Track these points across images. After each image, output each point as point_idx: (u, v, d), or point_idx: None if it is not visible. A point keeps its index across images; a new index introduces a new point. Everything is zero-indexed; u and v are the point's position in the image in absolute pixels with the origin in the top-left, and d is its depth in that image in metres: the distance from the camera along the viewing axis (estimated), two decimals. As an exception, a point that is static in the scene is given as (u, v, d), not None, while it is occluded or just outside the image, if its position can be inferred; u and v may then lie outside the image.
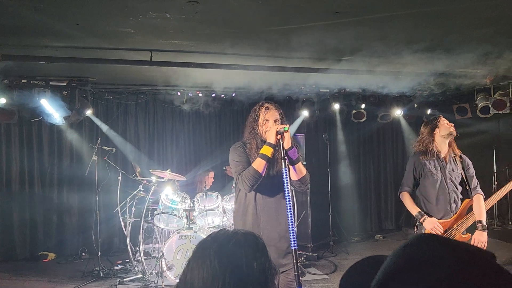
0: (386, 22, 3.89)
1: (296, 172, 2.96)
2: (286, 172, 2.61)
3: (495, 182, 8.62)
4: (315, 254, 6.69)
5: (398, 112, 7.92)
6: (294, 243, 2.52)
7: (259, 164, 2.88)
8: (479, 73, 6.03)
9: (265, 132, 2.98)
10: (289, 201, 2.61)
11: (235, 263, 1.24)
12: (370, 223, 8.89)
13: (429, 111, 8.28)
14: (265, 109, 3.07)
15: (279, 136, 2.79)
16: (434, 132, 3.68)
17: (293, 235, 2.54)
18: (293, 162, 2.91)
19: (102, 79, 6.17)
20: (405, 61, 5.00)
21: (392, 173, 9.11)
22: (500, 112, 6.80)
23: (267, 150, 2.85)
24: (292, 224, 2.57)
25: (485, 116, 7.18)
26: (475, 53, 4.85)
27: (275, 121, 3.01)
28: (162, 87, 6.79)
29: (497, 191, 3.77)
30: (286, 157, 2.70)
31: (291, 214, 2.60)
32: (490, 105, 6.83)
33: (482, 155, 7.82)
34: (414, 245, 0.64)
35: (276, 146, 2.85)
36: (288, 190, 2.60)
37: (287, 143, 2.80)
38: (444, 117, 3.76)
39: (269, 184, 3.07)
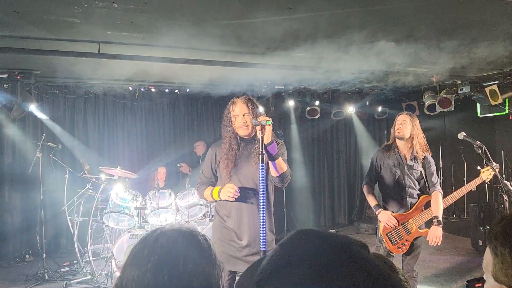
0: (338, 19, 3.94)
1: (276, 169, 2.85)
2: (263, 168, 2.50)
3: (441, 177, 9.03)
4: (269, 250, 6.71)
5: (350, 109, 8.11)
6: (264, 245, 2.44)
7: (207, 197, 3.06)
8: (427, 72, 6.26)
9: (238, 128, 2.95)
10: (264, 198, 2.51)
11: (176, 268, 1.17)
12: (324, 218, 9.05)
13: (380, 109, 8.53)
14: (233, 104, 2.99)
15: (259, 128, 2.62)
16: (392, 131, 3.83)
17: (264, 236, 2.46)
18: (272, 158, 2.79)
19: (47, 72, 5.83)
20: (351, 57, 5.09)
21: (345, 169, 9.32)
22: (445, 110, 7.10)
23: (215, 196, 2.97)
24: (264, 224, 2.47)
25: (432, 114, 7.48)
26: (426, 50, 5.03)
27: (244, 115, 2.93)
28: (112, 81, 6.54)
29: (442, 186, 3.94)
30: (264, 152, 2.59)
31: (263, 213, 2.50)
32: (436, 103, 7.12)
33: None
34: (288, 243, 0.63)
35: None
36: (263, 187, 2.51)
37: (267, 138, 2.67)
38: (406, 114, 3.81)
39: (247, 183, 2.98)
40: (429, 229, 3.72)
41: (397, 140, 3.82)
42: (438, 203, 3.69)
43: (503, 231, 1.12)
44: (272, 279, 0.59)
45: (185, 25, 3.98)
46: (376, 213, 3.78)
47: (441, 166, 9.22)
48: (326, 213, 9.10)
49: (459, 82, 6.73)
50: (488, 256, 1.18)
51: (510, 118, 7.20)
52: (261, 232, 2.46)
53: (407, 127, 3.72)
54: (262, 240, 2.46)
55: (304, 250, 0.60)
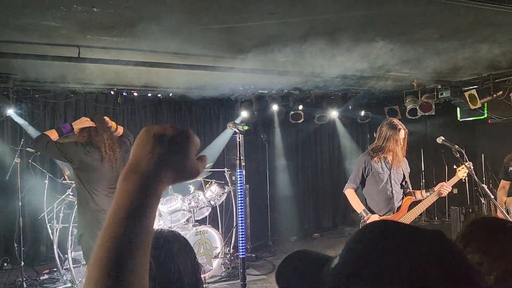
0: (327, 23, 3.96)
1: None
2: (240, 173, 2.48)
3: (423, 180, 9.16)
4: (253, 255, 6.69)
5: (333, 114, 8.16)
6: (243, 252, 2.43)
7: None
8: (409, 76, 6.34)
9: None
10: (242, 203, 2.50)
11: (167, 270, 1.18)
12: (308, 222, 9.06)
13: (362, 113, 8.60)
14: None
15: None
16: (389, 143, 3.81)
17: (243, 243, 2.44)
18: None
19: (26, 76, 5.72)
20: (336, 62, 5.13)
21: (328, 173, 9.37)
22: (426, 114, 7.20)
23: None
24: (243, 230, 2.46)
25: (414, 118, 7.57)
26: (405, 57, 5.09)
27: None
28: (93, 86, 6.46)
29: (425, 188, 4.03)
30: (241, 157, 2.57)
31: (242, 218, 2.48)
32: (417, 107, 7.21)
33: (411, 155, 8.27)
34: (369, 234, 0.64)
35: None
36: (241, 191, 2.49)
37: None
38: (403, 128, 3.83)
39: None
40: None
41: (389, 148, 3.82)
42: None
43: (471, 236, 1.13)
44: (364, 269, 0.59)
45: (166, 29, 3.95)
46: (365, 219, 3.77)
47: (423, 169, 9.35)
48: (310, 216, 9.12)
49: (439, 86, 6.83)
50: None
51: (489, 122, 7.33)
52: (240, 238, 2.45)
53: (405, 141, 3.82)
54: (241, 247, 2.44)
55: (396, 242, 0.61)
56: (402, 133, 3.79)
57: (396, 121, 3.88)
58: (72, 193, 5.57)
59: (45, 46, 4.39)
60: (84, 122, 3.90)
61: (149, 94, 7.18)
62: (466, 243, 1.11)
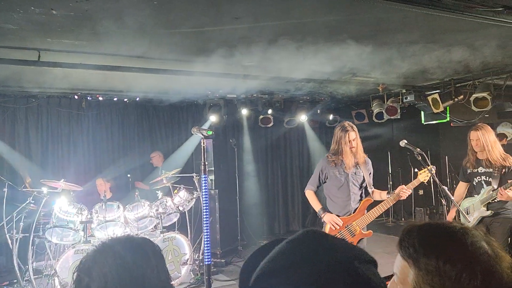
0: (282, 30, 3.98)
1: None
2: (205, 178, 2.48)
3: (390, 182, 9.35)
4: (223, 260, 6.63)
5: (302, 118, 8.23)
6: (208, 258, 2.41)
7: None
8: (373, 80, 6.46)
9: None
10: (207, 209, 2.48)
11: (147, 270, 1.19)
12: (278, 226, 9.08)
13: (331, 117, 8.72)
14: None
15: None
16: (341, 145, 3.92)
17: (208, 249, 2.42)
18: None
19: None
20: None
21: (298, 176, 9.42)
22: (392, 117, 7.36)
23: None
24: (207, 236, 2.44)
25: (380, 121, 7.73)
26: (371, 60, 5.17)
27: None
28: (56, 90, 6.26)
29: (393, 190, 4.10)
30: (205, 162, 2.59)
31: (207, 224, 2.46)
32: (383, 111, 7.36)
33: (378, 157, 8.42)
34: (296, 243, 0.68)
35: None
36: (206, 197, 2.48)
37: None
38: (352, 129, 3.91)
39: None
40: (372, 231, 4.03)
41: (344, 152, 3.90)
42: (381, 192, 3.99)
43: (420, 242, 1.08)
44: (271, 277, 0.62)
45: (130, 32, 3.87)
46: (322, 216, 3.95)
47: (390, 172, 9.55)
48: (280, 220, 9.14)
49: (404, 91, 7.00)
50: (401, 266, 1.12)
51: (452, 125, 7.57)
52: (205, 245, 2.42)
53: (358, 142, 3.89)
54: (206, 253, 2.41)
55: (309, 254, 0.63)
56: (352, 135, 3.91)
57: (347, 123, 4.03)
58: (33, 201, 5.37)
59: (3, 49, 4.22)
60: None
61: (115, 99, 7.03)
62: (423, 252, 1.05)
